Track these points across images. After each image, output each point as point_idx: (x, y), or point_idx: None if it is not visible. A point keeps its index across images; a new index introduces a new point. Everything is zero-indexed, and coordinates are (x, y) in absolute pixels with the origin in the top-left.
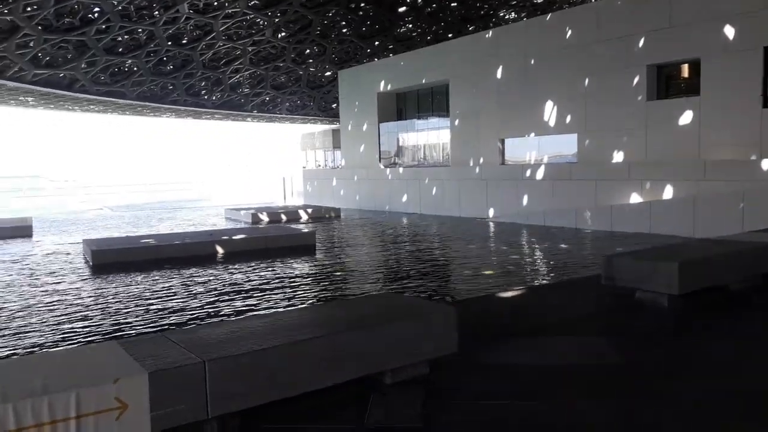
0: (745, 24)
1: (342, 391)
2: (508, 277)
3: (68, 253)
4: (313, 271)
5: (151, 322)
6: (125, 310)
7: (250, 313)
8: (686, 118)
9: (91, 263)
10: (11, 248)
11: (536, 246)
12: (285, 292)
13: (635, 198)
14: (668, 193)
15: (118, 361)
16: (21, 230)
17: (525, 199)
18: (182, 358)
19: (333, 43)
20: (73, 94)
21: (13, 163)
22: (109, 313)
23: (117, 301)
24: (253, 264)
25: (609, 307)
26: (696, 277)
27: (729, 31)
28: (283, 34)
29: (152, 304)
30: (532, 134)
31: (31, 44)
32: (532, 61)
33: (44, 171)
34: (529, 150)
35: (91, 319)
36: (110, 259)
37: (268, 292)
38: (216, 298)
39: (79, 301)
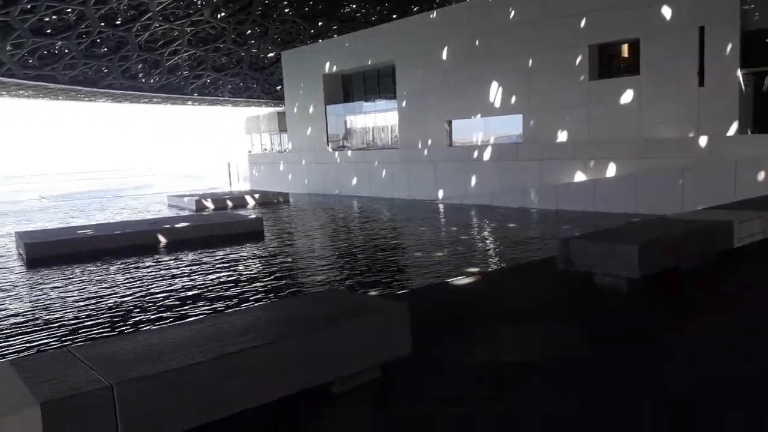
0: (683, 4)
1: (285, 405)
2: (459, 260)
3: None
4: (260, 260)
5: (80, 322)
6: (56, 310)
7: (187, 319)
8: (627, 96)
9: (25, 257)
10: None
11: (485, 227)
12: (228, 285)
13: (579, 176)
14: (611, 171)
15: (5, 388)
16: None
17: (473, 180)
18: (86, 381)
19: (275, 24)
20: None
21: None
22: (38, 312)
23: (48, 299)
24: (195, 253)
25: (566, 292)
26: (656, 259)
27: (666, 12)
28: (222, 14)
29: (85, 302)
30: (479, 115)
31: None
32: (477, 42)
33: None
34: (476, 131)
35: (19, 317)
36: (46, 252)
37: (209, 286)
38: (148, 293)
39: (8, 300)
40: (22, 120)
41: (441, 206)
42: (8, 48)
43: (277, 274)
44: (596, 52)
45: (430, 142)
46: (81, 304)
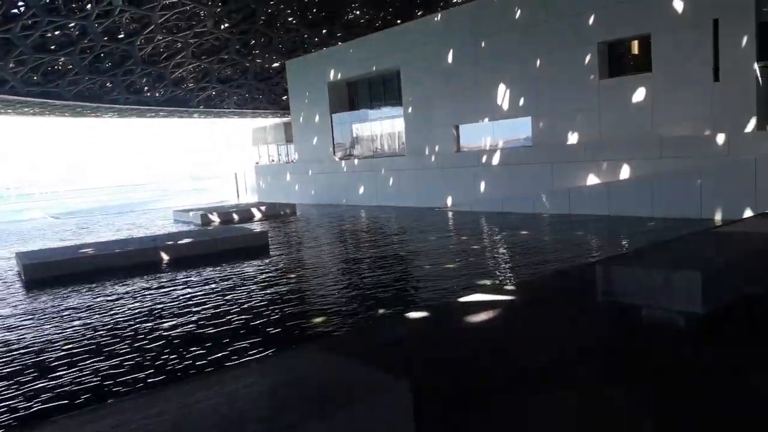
0: None
1: None
2: (471, 272)
3: None
4: (264, 278)
5: (64, 357)
6: (41, 339)
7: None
8: (639, 95)
9: (23, 278)
10: None
11: (497, 235)
12: (228, 309)
13: (592, 179)
14: (625, 172)
15: None
16: None
17: (482, 186)
18: None
19: (279, 33)
20: (4, 96)
21: None
22: (22, 342)
23: (35, 326)
24: (197, 272)
25: (609, 334)
26: (722, 288)
27: (678, 5)
28: (225, 24)
29: (74, 331)
30: (486, 119)
31: None
32: (483, 44)
33: None
34: (484, 135)
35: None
36: (44, 273)
37: (207, 310)
38: (142, 321)
39: None
40: (30, 137)
41: (450, 213)
42: (11, 65)
43: (281, 289)
44: (606, 50)
45: (437, 148)
46: (50, 341)
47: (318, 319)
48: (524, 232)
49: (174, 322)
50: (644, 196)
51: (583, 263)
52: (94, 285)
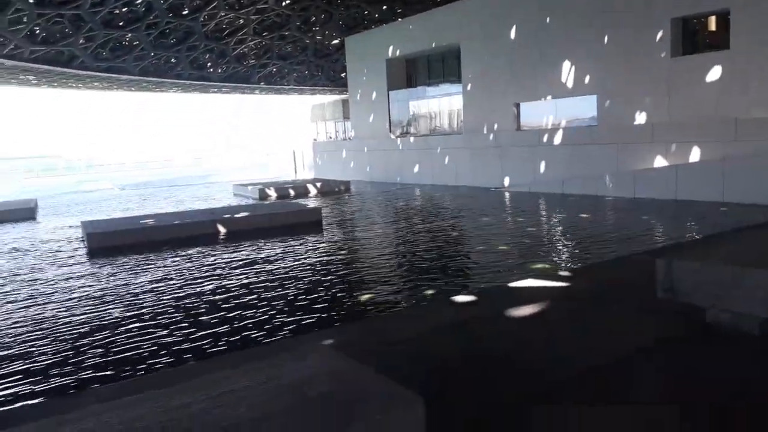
0: None
1: None
2: (524, 255)
3: (59, 241)
4: (314, 254)
5: (118, 323)
6: (99, 306)
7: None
8: (714, 74)
9: (87, 247)
10: (10, 231)
11: (554, 217)
12: (281, 279)
13: (660, 162)
14: (695, 155)
15: None
16: (24, 212)
17: (542, 166)
18: None
19: (339, 9)
20: (74, 71)
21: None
22: (79, 308)
23: (91, 296)
24: (251, 244)
25: (668, 336)
26: None
27: None
28: (287, 1)
29: (132, 299)
30: (549, 97)
31: (25, 20)
32: (548, 20)
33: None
34: (546, 114)
35: (55, 319)
36: (106, 242)
37: (261, 282)
38: (192, 288)
39: (55, 293)
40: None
41: (507, 194)
42: (81, 41)
43: (322, 275)
44: (679, 26)
45: (496, 126)
46: (104, 303)
47: (364, 297)
48: (584, 215)
49: (212, 289)
50: (715, 181)
51: (646, 250)
52: (151, 254)
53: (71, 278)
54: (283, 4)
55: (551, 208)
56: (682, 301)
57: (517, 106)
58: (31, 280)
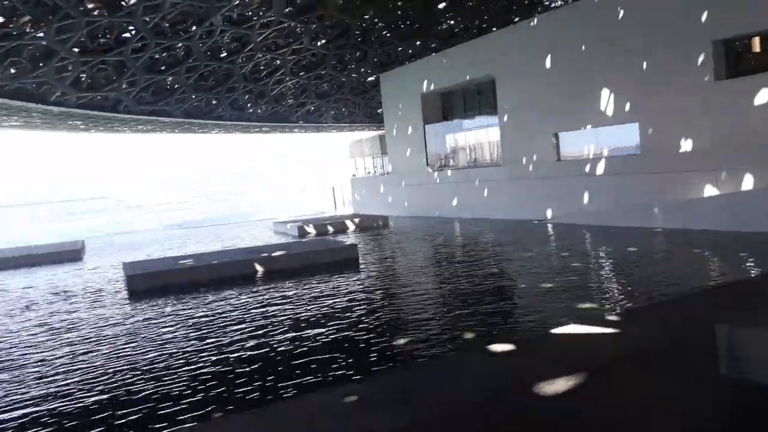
0: None
1: None
2: (571, 295)
3: (101, 282)
4: (349, 294)
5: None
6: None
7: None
8: (763, 97)
9: (127, 288)
10: (55, 272)
11: (601, 252)
12: (311, 330)
13: (710, 191)
14: (748, 183)
15: None
16: (71, 254)
17: (585, 197)
18: None
19: (373, 46)
20: (119, 116)
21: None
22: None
23: (116, 345)
24: (286, 285)
25: (730, 415)
26: None
27: None
28: (322, 41)
29: (160, 349)
30: (589, 126)
31: (70, 67)
32: (583, 47)
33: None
34: (587, 143)
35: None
36: (146, 284)
37: (272, 342)
38: (218, 340)
39: (77, 338)
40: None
41: (549, 226)
42: (124, 86)
43: (357, 314)
44: (722, 48)
45: (535, 157)
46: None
47: (401, 341)
48: (632, 249)
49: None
50: None
51: (702, 288)
52: (185, 296)
53: (110, 322)
54: (318, 44)
55: (597, 242)
56: (745, 375)
57: (556, 135)
58: (73, 324)
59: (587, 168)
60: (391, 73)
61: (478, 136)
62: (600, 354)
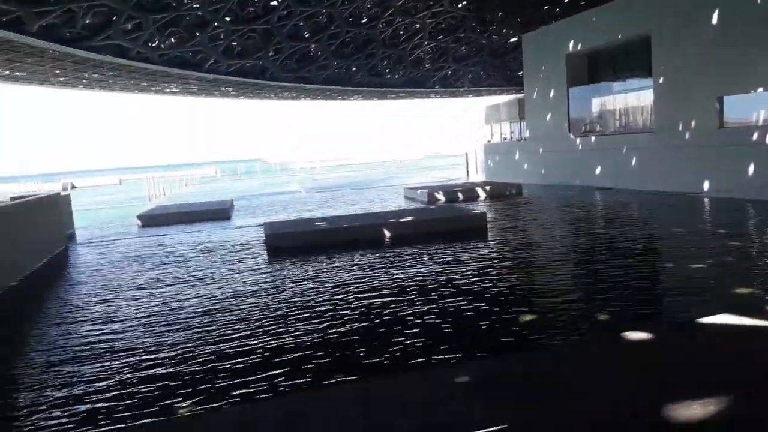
0: None
1: None
2: (724, 281)
3: (244, 241)
4: (476, 265)
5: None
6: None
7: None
8: None
9: (266, 246)
10: (205, 230)
11: (767, 231)
12: (429, 290)
13: None
14: None
15: None
16: (221, 213)
17: (750, 169)
18: None
19: (516, 6)
20: (266, 82)
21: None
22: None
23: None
24: (411, 251)
25: None
26: None
27: None
28: (463, 2)
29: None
30: (760, 89)
31: (222, 36)
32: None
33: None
34: (757, 108)
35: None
36: (283, 242)
37: (403, 301)
38: (335, 303)
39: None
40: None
41: (706, 200)
42: (270, 53)
43: (480, 287)
44: None
45: (693, 123)
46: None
47: (526, 318)
48: None
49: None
50: None
51: None
52: (315, 256)
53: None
54: (459, 5)
55: (762, 220)
56: None
57: (720, 100)
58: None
59: (755, 136)
60: (535, 33)
61: (628, 99)
62: (753, 339)
